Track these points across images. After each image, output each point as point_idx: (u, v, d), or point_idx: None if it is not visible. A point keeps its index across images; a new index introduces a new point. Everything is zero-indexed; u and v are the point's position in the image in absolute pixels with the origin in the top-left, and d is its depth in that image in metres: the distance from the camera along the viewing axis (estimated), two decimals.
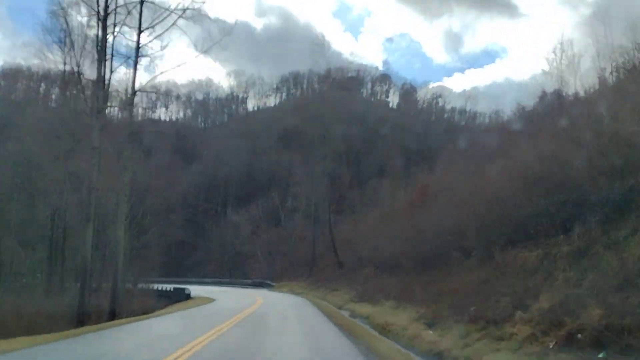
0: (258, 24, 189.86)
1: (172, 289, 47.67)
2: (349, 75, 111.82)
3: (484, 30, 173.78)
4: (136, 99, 32.05)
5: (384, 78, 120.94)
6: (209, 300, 38.42)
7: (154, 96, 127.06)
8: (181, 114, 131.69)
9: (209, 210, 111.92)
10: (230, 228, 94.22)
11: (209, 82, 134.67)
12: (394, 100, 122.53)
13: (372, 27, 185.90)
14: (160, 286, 48.99)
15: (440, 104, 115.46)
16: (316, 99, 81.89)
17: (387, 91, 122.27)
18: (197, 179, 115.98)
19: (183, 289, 46.26)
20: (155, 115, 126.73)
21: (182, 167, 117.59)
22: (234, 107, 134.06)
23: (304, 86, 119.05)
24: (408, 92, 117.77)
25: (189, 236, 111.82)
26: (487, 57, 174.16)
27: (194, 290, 48.55)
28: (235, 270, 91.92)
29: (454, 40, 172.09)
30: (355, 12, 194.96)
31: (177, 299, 42.84)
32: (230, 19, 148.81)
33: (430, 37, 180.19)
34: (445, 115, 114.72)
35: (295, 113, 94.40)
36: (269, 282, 62.03)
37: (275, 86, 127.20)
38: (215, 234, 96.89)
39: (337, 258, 48.10)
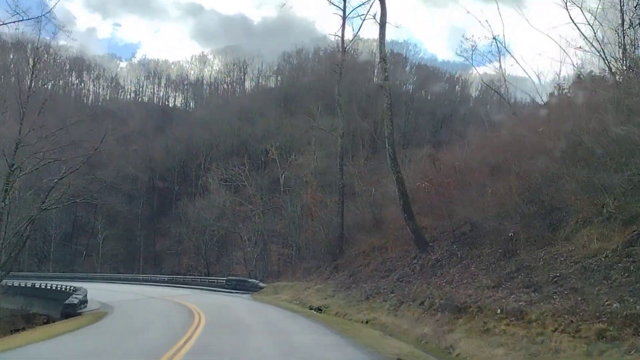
0: None
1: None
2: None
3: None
4: None
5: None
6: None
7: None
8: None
9: (185, 186, 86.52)
10: (210, 207, 67.97)
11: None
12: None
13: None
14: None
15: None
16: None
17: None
18: (173, 147, 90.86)
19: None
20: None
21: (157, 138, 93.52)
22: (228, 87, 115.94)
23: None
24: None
25: (153, 218, 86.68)
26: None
27: (105, 292, 31.85)
28: (215, 264, 66.55)
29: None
30: None
31: None
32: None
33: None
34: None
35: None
36: (256, 281, 36.36)
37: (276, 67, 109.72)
38: (189, 215, 70.81)
39: (414, 229, 21.97)
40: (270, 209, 57.24)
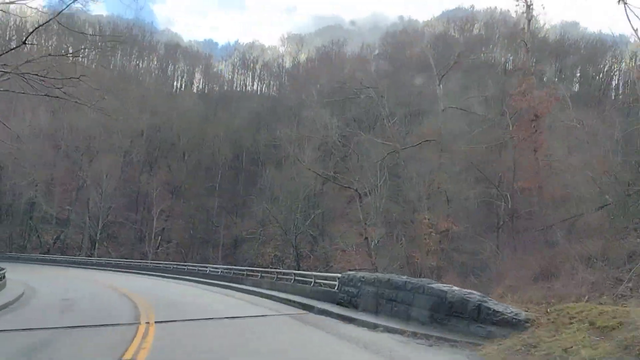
0: None
1: None
2: None
3: None
4: None
5: None
6: None
7: None
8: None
9: (272, 154, 69.04)
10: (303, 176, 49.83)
11: None
12: None
13: None
14: None
15: None
16: None
17: None
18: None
19: None
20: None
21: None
22: None
23: None
24: None
25: (232, 194, 70.10)
26: None
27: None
28: (308, 257, 48.99)
29: None
30: None
31: None
32: None
33: None
34: None
35: None
36: (487, 301, 13.01)
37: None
38: (276, 190, 53.19)
39: None
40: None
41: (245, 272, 26.85)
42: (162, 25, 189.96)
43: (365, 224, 35.24)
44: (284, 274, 23.06)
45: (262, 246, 60.20)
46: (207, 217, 66.47)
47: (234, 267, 31.50)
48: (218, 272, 30.42)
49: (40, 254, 58.70)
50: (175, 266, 37.44)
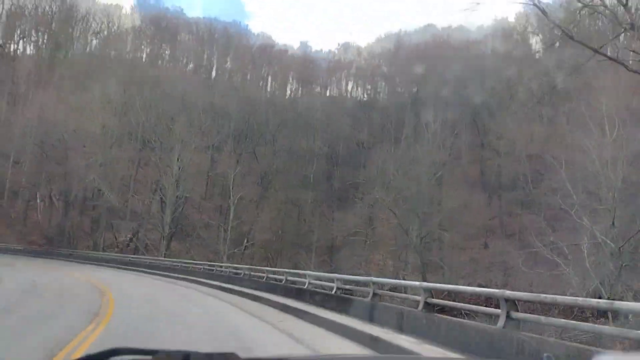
0: None
1: None
2: None
3: None
4: None
5: None
6: None
7: None
8: None
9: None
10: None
11: None
12: None
13: None
14: None
15: None
16: None
17: None
18: None
19: None
20: None
21: None
22: None
23: None
24: None
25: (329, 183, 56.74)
26: None
27: None
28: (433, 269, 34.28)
29: None
30: None
31: None
32: None
33: None
34: None
35: None
36: None
37: None
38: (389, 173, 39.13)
39: None
40: None
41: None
42: (256, 29, 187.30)
43: None
44: None
45: (369, 251, 46.12)
46: (298, 213, 53.80)
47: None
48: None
49: (114, 253, 49.37)
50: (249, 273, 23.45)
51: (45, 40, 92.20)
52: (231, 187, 46.25)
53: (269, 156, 56.76)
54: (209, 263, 31.76)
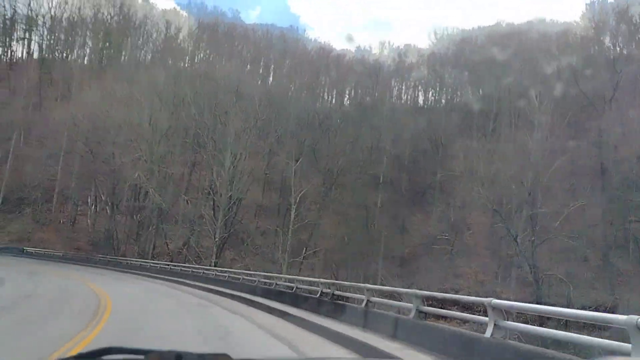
0: None
1: None
2: None
3: None
4: None
5: None
6: None
7: None
8: None
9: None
10: None
11: None
12: None
13: None
14: None
15: None
16: None
17: None
18: None
19: None
20: None
21: None
22: None
23: None
24: None
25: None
26: None
27: None
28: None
29: None
30: None
31: None
32: None
33: None
34: None
35: None
36: None
37: None
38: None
39: None
40: None
41: None
42: (312, 34, 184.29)
43: None
44: None
45: (454, 262, 38.31)
46: (365, 217, 46.71)
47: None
48: None
49: (164, 261, 44.10)
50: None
51: (101, 46, 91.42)
52: (292, 183, 39.81)
53: (332, 154, 50.14)
54: (265, 274, 23.27)
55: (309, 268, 41.76)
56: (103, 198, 51.31)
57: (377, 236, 45.77)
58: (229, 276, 24.21)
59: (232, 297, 18.86)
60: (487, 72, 63.63)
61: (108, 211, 50.09)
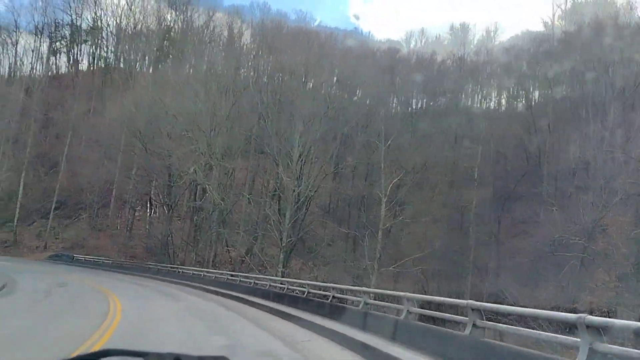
0: None
1: None
2: None
3: None
4: None
5: None
6: None
7: None
8: None
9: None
10: None
11: None
12: None
13: None
14: None
15: None
16: None
17: None
18: None
19: None
20: None
21: None
22: None
23: None
24: None
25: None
26: None
27: None
28: None
29: None
30: None
31: None
32: None
33: None
34: None
35: None
36: None
37: None
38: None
39: None
40: None
41: None
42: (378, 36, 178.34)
43: None
44: None
45: (585, 275, 29.76)
46: (460, 220, 38.78)
47: None
48: None
49: (226, 270, 38.24)
50: None
51: (160, 55, 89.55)
52: (382, 168, 32.64)
53: (413, 146, 42.62)
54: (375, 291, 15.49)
55: (394, 279, 34.41)
56: (160, 198, 46.64)
57: (474, 244, 37.74)
58: (308, 292, 17.04)
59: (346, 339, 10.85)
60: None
61: (165, 212, 45.26)
